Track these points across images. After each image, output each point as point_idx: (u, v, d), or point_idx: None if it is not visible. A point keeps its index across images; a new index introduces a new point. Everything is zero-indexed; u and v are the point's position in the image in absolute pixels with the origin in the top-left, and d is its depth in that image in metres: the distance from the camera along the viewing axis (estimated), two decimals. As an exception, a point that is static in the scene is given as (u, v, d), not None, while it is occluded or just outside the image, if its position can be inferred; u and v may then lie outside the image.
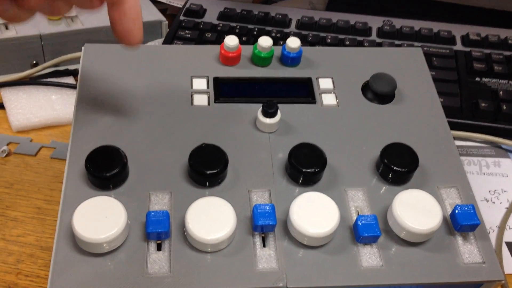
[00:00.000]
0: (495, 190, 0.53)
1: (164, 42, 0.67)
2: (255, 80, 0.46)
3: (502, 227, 0.49)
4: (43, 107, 0.58)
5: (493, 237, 0.48)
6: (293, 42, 0.46)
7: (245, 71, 0.47)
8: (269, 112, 0.41)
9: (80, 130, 0.41)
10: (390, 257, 0.37)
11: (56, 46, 0.64)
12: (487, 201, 0.52)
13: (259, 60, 0.47)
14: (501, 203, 0.52)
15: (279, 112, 0.42)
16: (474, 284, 0.37)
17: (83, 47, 0.46)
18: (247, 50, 0.48)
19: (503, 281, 0.36)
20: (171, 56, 0.47)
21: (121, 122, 0.42)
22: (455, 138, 0.58)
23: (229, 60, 0.46)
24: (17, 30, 0.62)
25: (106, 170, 0.37)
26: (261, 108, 0.42)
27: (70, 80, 0.62)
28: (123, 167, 0.37)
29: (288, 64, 0.47)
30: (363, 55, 0.50)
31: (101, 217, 0.34)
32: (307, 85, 0.46)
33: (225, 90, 0.45)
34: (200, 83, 0.45)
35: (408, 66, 0.49)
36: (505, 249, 0.48)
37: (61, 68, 0.64)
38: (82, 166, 0.38)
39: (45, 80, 0.61)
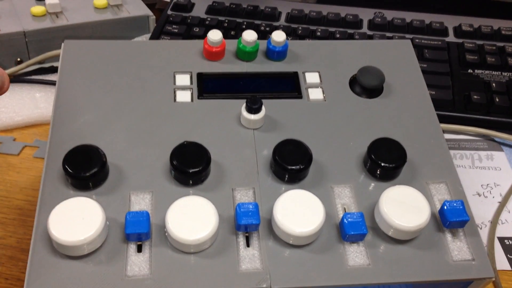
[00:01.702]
0: (487, 184, 0.52)
1: (151, 37, 0.66)
2: (239, 75, 0.45)
3: (494, 222, 0.48)
4: (27, 105, 0.57)
5: (485, 232, 0.48)
6: (278, 36, 0.45)
7: (229, 66, 0.46)
8: (253, 108, 0.40)
9: (59, 129, 0.40)
10: (378, 255, 0.36)
11: (41, 43, 0.62)
12: (480, 195, 0.51)
13: (243, 54, 0.46)
14: (493, 197, 0.51)
15: (263, 108, 0.41)
16: (464, 282, 0.36)
17: (62, 44, 0.45)
18: (232, 44, 0.47)
19: (493, 279, 0.36)
20: (153, 52, 0.46)
21: (102, 120, 0.41)
22: (447, 131, 0.57)
23: (213, 55, 0.45)
24: (0, 27, 0.60)
25: (84, 170, 0.36)
26: (245, 104, 0.41)
27: (55, 77, 0.61)
28: (102, 167, 0.36)
29: (273, 59, 0.46)
30: (350, 48, 0.48)
31: (77, 219, 0.33)
32: (293, 79, 0.45)
33: (209, 86, 0.44)
34: (183, 79, 0.44)
35: (396, 59, 0.48)
36: (497, 245, 0.47)
37: (46, 65, 0.63)
38: (60, 166, 0.37)
39: (28, 77, 0.60)
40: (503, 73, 0.62)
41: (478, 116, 0.58)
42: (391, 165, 0.39)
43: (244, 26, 0.66)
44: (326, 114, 0.43)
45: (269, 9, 0.69)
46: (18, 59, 0.62)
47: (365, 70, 0.45)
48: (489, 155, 0.56)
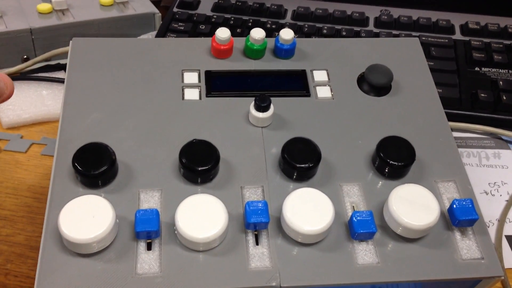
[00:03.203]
0: (495, 183, 0.52)
1: (157, 35, 0.66)
2: (247, 73, 0.45)
3: (502, 220, 0.48)
4: (34, 102, 0.57)
5: (492, 230, 0.48)
6: (287, 34, 0.45)
7: (237, 64, 0.46)
8: (261, 106, 0.40)
9: (68, 127, 0.40)
10: (387, 253, 0.36)
11: (47, 40, 0.63)
12: (487, 193, 0.51)
13: (251, 52, 0.46)
14: (501, 195, 0.51)
15: (272, 106, 0.41)
16: (473, 281, 0.36)
17: (70, 41, 0.45)
18: (240, 42, 0.47)
19: (502, 277, 0.36)
20: (161, 50, 0.46)
21: (110, 118, 0.41)
22: (454, 129, 0.57)
23: (221, 53, 0.45)
24: (6, 24, 0.60)
25: (93, 168, 0.36)
26: (253, 102, 0.41)
27: (61, 74, 0.61)
28: (111, 165, 0.36)
29: (281, 56, 0.46)
30: (358, 46, 0.48)
31: (88, 217, 0.33)
32: (301, 77, 0.45)
33: (217, 83, 0.44)
34: (191, 77, 0.44)
35: (404, 56, 0.48)
36: (505, 243, 0.47)
37: (53, 62, 0.63)
38: (70, 164, 0.37)
39: (35, 75, 0.60)
40: (510, 71, 0.61)
41: (485, 114, 0.58)
42: (400, 164, 0.39)
43: (250, 24, 0.66)
44: (334, 112, 0.43)
45: (275, 7, 0.69)
46: (25, 57, 0.62)
47: (373, 68, 0.45)
48: (496, 153, 0.56)
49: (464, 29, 0.67)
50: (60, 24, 0.62)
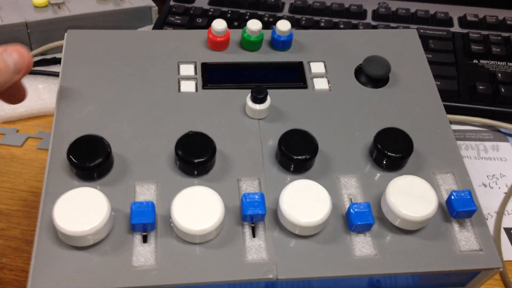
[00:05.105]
0: (493, 175, 0.52)
1: (154, 28, 0.65)
2: (244, 65, 0.45)
3: (500, 213, 0.48)
4: (30, 96, 0.56)
5: (491, 223, 0.47)
6: (283, 25, 0.45)
7: (234, 56, 0.45)
8: (258, 98, 0.40)
9: (63, 119, 0.40)
10: (384, 245, 0.35)
11: (43, 34, 0.62)
12: (485, 186, 0.51)
13: (248, 44, 0.45)
14: (499, 188, 0.51)
15: (268, 97, 0.41)
16: (472, 273, 0.36)
17: (66, 34, 0.45)
18: (236, 34, 0.46)
19: (501, 269, 0.35)
20: (157, 42, 0.46)
21: (106, 110, 0.40)
22: (453, 122, 0.57)
23: (217, 44, 0.45)
24: (2, 18, 0.60)
25: (89, 160, 0.36)
26: (250, 94, 0.40)
27: (57, 68, 0.60)
28: (106, 157, 0.36)
29: (278, 48, 0.46)
30: (356, 38, 0.48)
31: (82, 209, 0.33)
32: (298, 69, 0.45)
33: (214, 76, 0.44)
34: (187, 69, 0.44)
35: (402, 48, 0.48)
36: (503, 235, 0.46)
37: (48, 56, 0.63)
38: (64, 157, 0.36)
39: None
40: (508, 64, 0.61)
41: (483, 107, 0.57)
42: (397, 155, 0.38)
43: (247, 17, 0.66)
44: (331, 104, 0.43)
45: (272, 0, 0.68)
46: (20, 51, 0.62)
47: (370, 59, 0.44)
48: (495, 146, 0.55)
49: (463, 21, 0.67)
50: (56, 18, 0.62)
